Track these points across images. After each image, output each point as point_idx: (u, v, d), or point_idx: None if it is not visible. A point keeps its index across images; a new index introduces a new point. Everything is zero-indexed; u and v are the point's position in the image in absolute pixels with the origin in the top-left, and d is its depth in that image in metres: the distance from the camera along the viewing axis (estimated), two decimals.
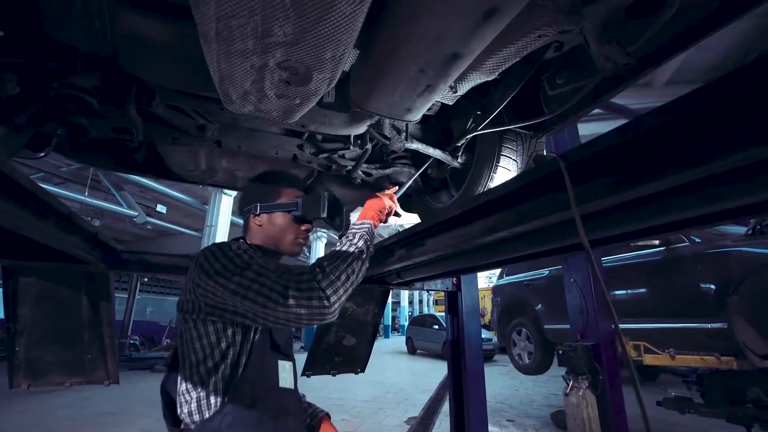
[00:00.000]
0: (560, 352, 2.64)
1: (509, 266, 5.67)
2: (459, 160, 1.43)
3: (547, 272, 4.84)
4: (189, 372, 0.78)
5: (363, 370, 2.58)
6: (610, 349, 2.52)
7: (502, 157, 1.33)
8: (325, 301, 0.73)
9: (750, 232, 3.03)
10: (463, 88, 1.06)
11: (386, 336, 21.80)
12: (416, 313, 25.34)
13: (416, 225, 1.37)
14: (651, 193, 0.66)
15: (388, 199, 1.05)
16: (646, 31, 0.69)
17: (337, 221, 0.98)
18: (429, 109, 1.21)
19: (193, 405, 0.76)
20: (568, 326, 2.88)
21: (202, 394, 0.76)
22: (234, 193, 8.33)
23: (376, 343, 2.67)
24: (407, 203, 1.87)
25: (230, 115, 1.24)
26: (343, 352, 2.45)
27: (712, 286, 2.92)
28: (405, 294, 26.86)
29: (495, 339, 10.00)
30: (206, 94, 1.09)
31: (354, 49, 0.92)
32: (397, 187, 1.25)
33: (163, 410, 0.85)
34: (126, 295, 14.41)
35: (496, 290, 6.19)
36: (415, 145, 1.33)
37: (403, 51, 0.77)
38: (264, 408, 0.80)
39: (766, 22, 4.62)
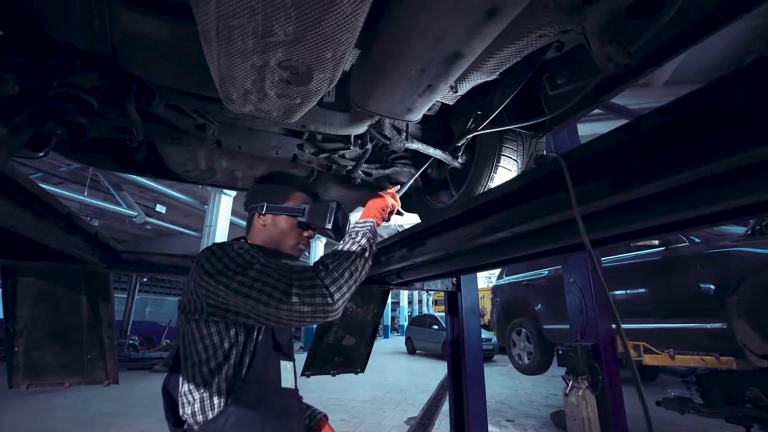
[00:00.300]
0: (560, 352, 2.64)
1: (509, 266, 5.67)
2: (459, 160, 1.43)
3: (546, 272, 4.84)
4: (191, 372, 0.78)
5: (362, 371, 2.58)
6: (609, 349, 2.52)
7: (502, 157, 1.33)
8: (329, 299, 0.73)
9: (749, 232, 3.03)
10: (464, 88, 1.06)
11: (386, 336, 21.81)
12: (416, 313, 25.35)
13: (416, 225, 1.37)
14: (651, 193, 0.66)
15: (391, 198, 1.05)
16: (646, 31, 0.69)
17: (340, 234, 0.97)
18: (429, 109, 1.21)
19: (196, 405, 0.76)
20: (567, 326, 2.88)
21: (205, 394, 0.76)
22: (234, 193, 8.33)
23: (375, 344, 2.67)
24: (407, 203, 1.87)
25: (230, 115, 1.24)
26: (342, 352, 2.45)
27: (712, 286, 2.92)
28: (404, 294, 26.86)
29: (494, 339, 10.00)
30: (206, 94, 1.08)
31: (355, 49, 0.92)
32: (398, 186, 1.24)
33: (165, 411, 0.84)
34: (125, 296, 14.42)
35: (495, 290, 6.19)
36: (416, 145, 1.33)
37: (404, 50, 0.77)
38: (268, 408, 0.79)
39: (765, 22, 4.63)
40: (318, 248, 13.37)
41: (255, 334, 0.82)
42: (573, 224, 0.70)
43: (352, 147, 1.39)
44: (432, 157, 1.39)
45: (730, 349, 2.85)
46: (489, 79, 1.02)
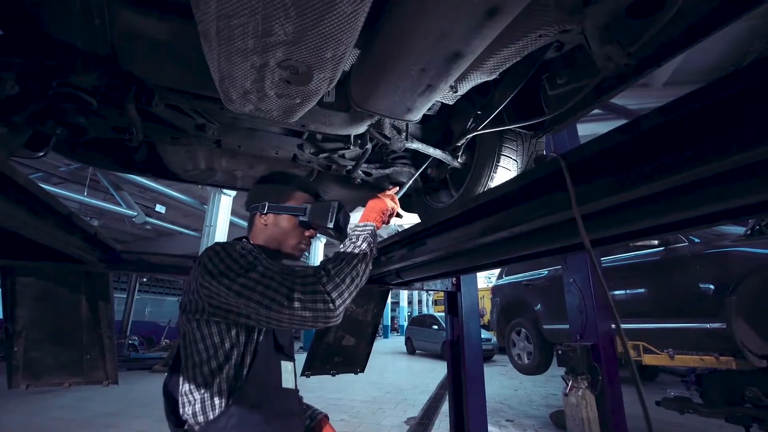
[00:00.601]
0: (559, 352, 2.64)
1: (509, 266, 5.68)
2: (459, 160, 1.43)
3: (546, 272, 4.84)
4: (192, 372, 0.78)
5: (362, 371, 2.58)
6: (609, 349, 2.52)
7: (502, 157, 1.33)
8: (330, 305, 0.73)
9: (749, 232, 3.04)
10: (464, 88, 1.06)
11: (385, 336, 21.80)
12: (415, 313, 25.35)
13: (416, 225, 1.36)
14: (651, 193, 0.66)
15: (390, 200, 1.05)
16: (647, 32, 0.69)
17: (342, 233, 0.97)
18: (429, 109, 1.21)
19: (197, 406, 0.76)
20: (567, 326, 2.88)
21: (206, 394, 0.76)
22: (233, 193, 8.32)
23: (375, 344, 2.67)
24: (407, 203, 1.87)
25: (230, 115, 1.24)
26: (342, 352, 2.45)
27: (711, 286, 2.92)
28: (404, 294, 26.86)
29: (494, 339, 10.00)
30: (206, 94, 1.08)
31: (355, 49, 0.92)
32: (397, 188, 1.24)
33: (165, 410, 0.84)
34: (125, 296, 14.40)
35: (495, 290, 6.19)
36: (416, 145, 1.33)
37: (404, 50, 0.77)
38: (269, 409, 0.79)
39: (765, 22, 4.63)
40: (318, 248, 13.37)
41: (256, 334, 0.82)
42: (573, 224, 0.70)
43: (352, 147, 1.39)
44: (432, 157, 1.39)
45: (729, 349, 2.85)
46: (489, 79, 1.02)
